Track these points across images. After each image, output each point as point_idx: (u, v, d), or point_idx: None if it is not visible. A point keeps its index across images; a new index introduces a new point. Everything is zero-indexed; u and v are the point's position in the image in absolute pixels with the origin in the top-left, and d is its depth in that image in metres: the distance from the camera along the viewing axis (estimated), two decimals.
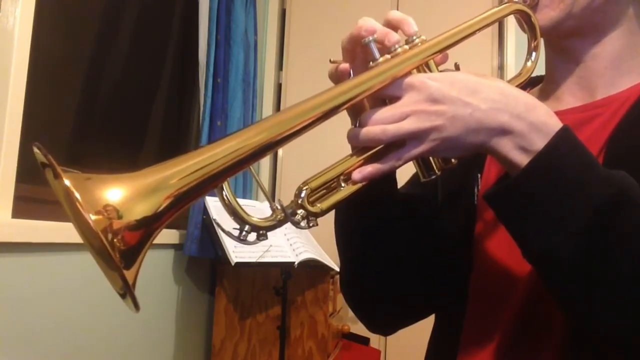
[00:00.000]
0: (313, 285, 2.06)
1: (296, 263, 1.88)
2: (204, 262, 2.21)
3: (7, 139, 1.27)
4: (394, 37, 0.56)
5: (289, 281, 1.92)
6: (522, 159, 0.51)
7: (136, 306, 0.43)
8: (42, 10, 1.41)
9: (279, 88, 2.91)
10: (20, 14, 1.29)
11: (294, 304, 2.05)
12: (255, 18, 2.51)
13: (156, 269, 1.93)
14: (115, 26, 1.88)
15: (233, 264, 1.80)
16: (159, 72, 2.16)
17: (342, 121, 0.60)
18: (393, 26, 0.58)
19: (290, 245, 1.96)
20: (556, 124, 0.52)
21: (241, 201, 2.12)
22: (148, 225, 0.43)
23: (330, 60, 0.59)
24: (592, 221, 0.48)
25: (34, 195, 1.40)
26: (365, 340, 2.28)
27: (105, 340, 1.59)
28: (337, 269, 1.92)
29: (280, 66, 2.92)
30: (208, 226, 1.99)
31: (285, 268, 1.89)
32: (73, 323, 1.46)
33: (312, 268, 2.00)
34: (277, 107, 2.90)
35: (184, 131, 2.37)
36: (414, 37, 0.57)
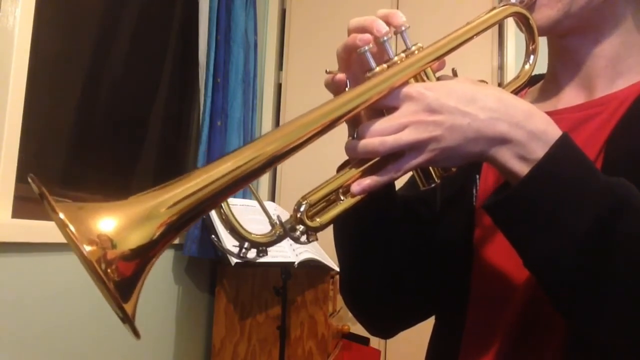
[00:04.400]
0: (313, 285, 2.06)
1: (296, 263, 1.87)
2: (204, 262, 2.21)
3: (7, 139, 1.26)
4: (382, 26, 0.55)
5: (289, 281, 1.92)
6: (522, 168, 0.51)
7: (136, 334, 0.41)
8: (42, 10, 1.41)
9: (279, 88, 2.91)
10: (20, 14, 1.29)
11: (294, 304, 2.05)
12: (255, 18, 2.51)
13: (156, 269, 1.91)
14: (115, 26, 1.88)
15: (233, 264, 1.80)
16: (159, 73, 2.16)
17: (342, 126, 0.60)
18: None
19: (290, 245, 1.96)
20: (555, 132, 0.52)
21: (242, 201, 2.09)
22: (143, 254, 0.41)
23: (326, 71, 0.59)
24: (593, 230, 0.48)
25: (34, 195, 1.39)
26: (365, 340, 2.28)
27: (105, 340, 1.59)
28: (337, 269, 1.91)
29: (280, 66, 2.92)
30: (208, 226, 1.99)
31: (285, 268, 1.89)
32: (73, 323, 1.46)
33: (312, 268, 2.00)
34: (277, 107, 2.90)
35: (184, 131, 2.37)
36: (411, 46, 0.56)
